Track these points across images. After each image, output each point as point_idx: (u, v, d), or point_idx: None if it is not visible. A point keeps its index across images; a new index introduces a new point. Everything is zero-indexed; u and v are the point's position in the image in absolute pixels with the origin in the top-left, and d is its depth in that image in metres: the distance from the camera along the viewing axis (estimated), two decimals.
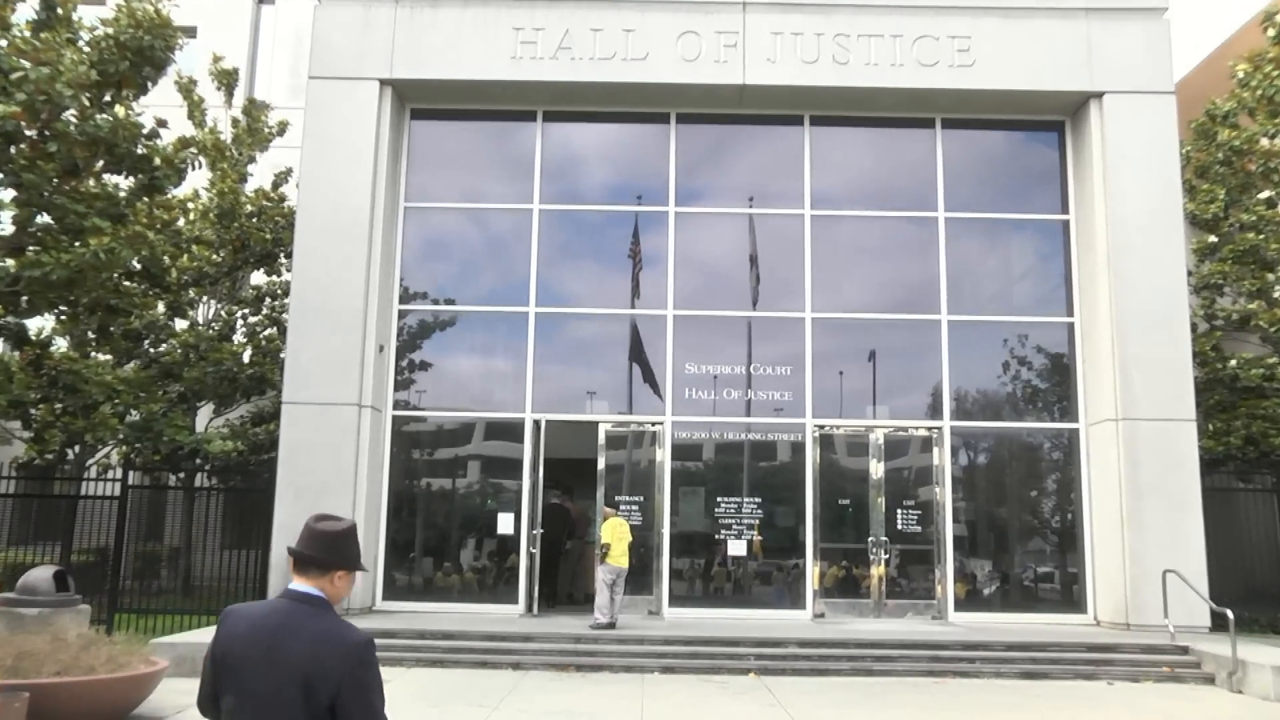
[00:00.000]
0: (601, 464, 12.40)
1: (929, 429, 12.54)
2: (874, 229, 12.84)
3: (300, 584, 2.33)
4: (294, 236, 12.08)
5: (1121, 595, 11.38)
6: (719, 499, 12.32)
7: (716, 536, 12.29)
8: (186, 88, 14.88)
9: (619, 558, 10.93)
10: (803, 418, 12.38)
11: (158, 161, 10.54)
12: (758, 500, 12.33)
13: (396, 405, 12.54)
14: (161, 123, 10.84)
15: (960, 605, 12.11)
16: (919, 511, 12.33)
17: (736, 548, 12.26)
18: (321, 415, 11.54)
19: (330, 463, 11.44)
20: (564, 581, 13.91)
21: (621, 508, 11.92)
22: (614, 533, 10.91)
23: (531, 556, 12.03)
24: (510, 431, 12.38)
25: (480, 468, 12.58)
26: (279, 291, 15.65)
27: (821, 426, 12.46)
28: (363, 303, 11.80)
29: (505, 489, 12.41)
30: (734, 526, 12.29)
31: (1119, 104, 12.12)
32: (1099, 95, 12.23)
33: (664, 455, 12.33)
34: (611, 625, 10.64)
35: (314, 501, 11.16)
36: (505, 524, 12.24)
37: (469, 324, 12.78)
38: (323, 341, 11.65)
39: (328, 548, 2.35)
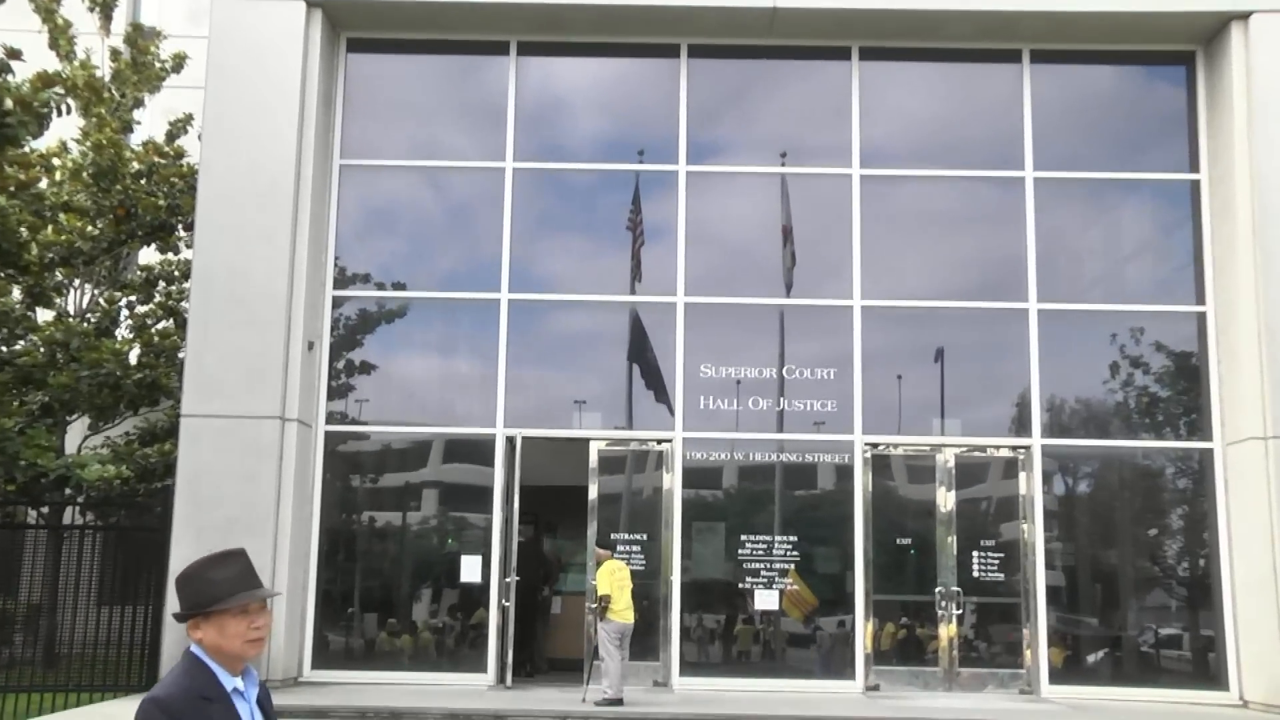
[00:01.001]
0: (593, 493, 12.36)
1: (1014, 449, 12.50)
2: (941, 193, 12.82)
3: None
4: (195, 203, 12.06)
5: (1278, 668, 11.25)
6: (744, 538, 12.25)
7: (740, 586, 12.24)
8: (48, 7, 14.49)
9: (623, 611, 10.85)
10: (851, 434, 12.30)
11: (8, 104, 10.11)
12: (793, 540, 12.26)
13: (330, 419, 12.53)
14: (13, 53, 10.34)
15: (1056, 676, 11.94)
16: (1001, 555, 12.24)
17: (766, 600, 12.18)
18: (232, 432, 11.48)
19: (243, 493, 11.37)
20: (544, 642, 13.85)
21: (619, 549, 11.91)
22: (613, 580, 10.85)
23: (504, 611, 11.90)
24: (477, 452, 12.40)
25: (438, 498, 12.62)
26: (176, 274, 15.58)
27: (875, 445, 12.41)
28: (286, 288, 11.77)
29: (470, 525, 12.42)
30: (762, 573, 12.20)
31: (1271, 26, 11.84)
32: (1243, 15, 11.99)
33: (673, 482, 12.30)
34: (620, 701, 10.57)
35: (222, 542, 10.29)
36: (470, 570, 12.17)
37: (423, 315, 12.81)
38: (234, 338, 11.61)
39: (178, 592, 2.61)
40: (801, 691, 11.73)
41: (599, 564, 11.06)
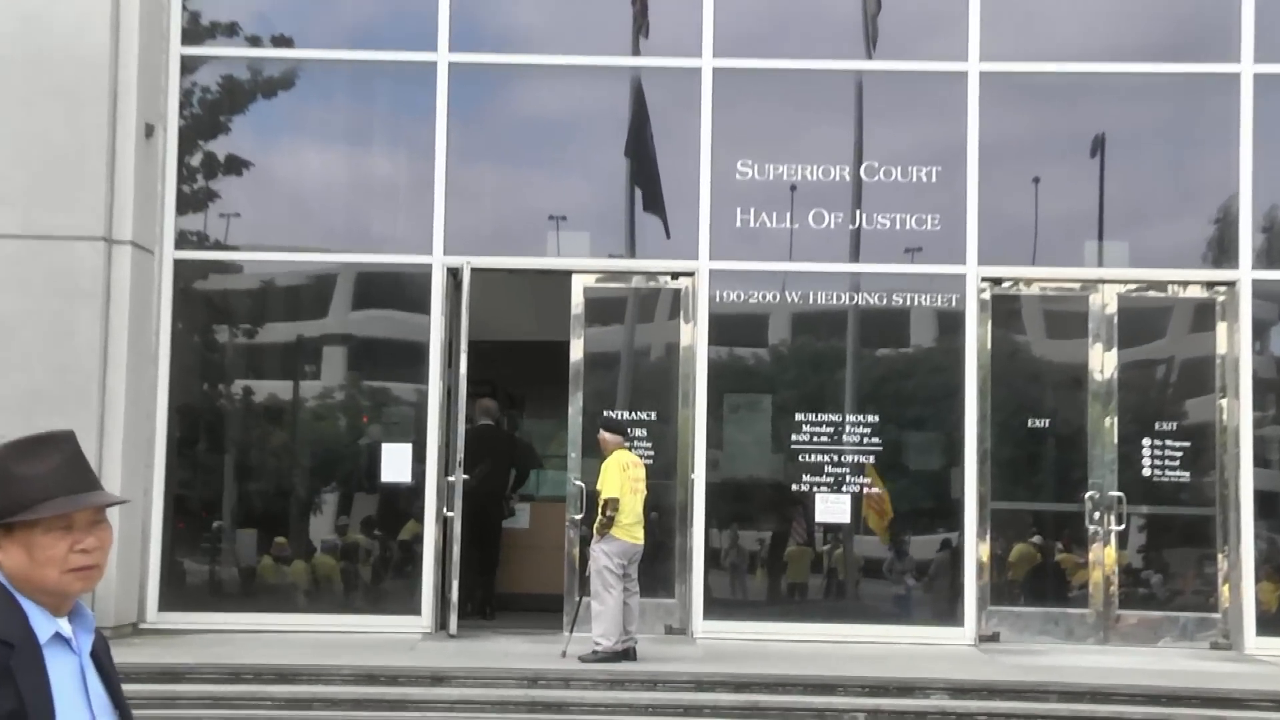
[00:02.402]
0: (578, 352, 12.06)
1: (1210, 287, 12.19)
2: None
3: None
4: None
5: None
6: (799, 419, 11.98)
7: (793, 490, 12.02)
8: None
9: (633, 527, 10.58)
10: (961, 265, 11.93)
11: None
12: (872, 421, 11.99)
13: (183, 242, 12.13)
14: None
15: (1268, 625, 11.61)
16: (1186, 445, 11.94)
17: (831, 510, 11.97)
18: (29, 260, 11.07)
19: (50, 352, 11.04)
20: (504, 572, 13.69)
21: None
22: (624, 480, 10.51)
23: (446, 525, 11.67)
24: (404, 292, 12.34)
25: (347, 360, 12.54)
26: None
27: (997, 282, 12.08)
28: (109, 43, 11.21)
29: (396, 400, 12.39)
30: (827, 470, 11.89)
31: None
32: None
33: (695, 336, 12.01)
34: (628, 654, 10.37)
35: (20, 427, 9.89)
36: (396, 465, 11.96)
37: (322, 86, 12.71)
38: (28, 119, 11.11)
39: None
40: (884, 642, 11.58)
41: (604, 454, 10.82)
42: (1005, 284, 12.19)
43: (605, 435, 10.95)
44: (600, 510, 10.58)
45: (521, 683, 9.93)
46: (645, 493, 10.88)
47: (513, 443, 14.34)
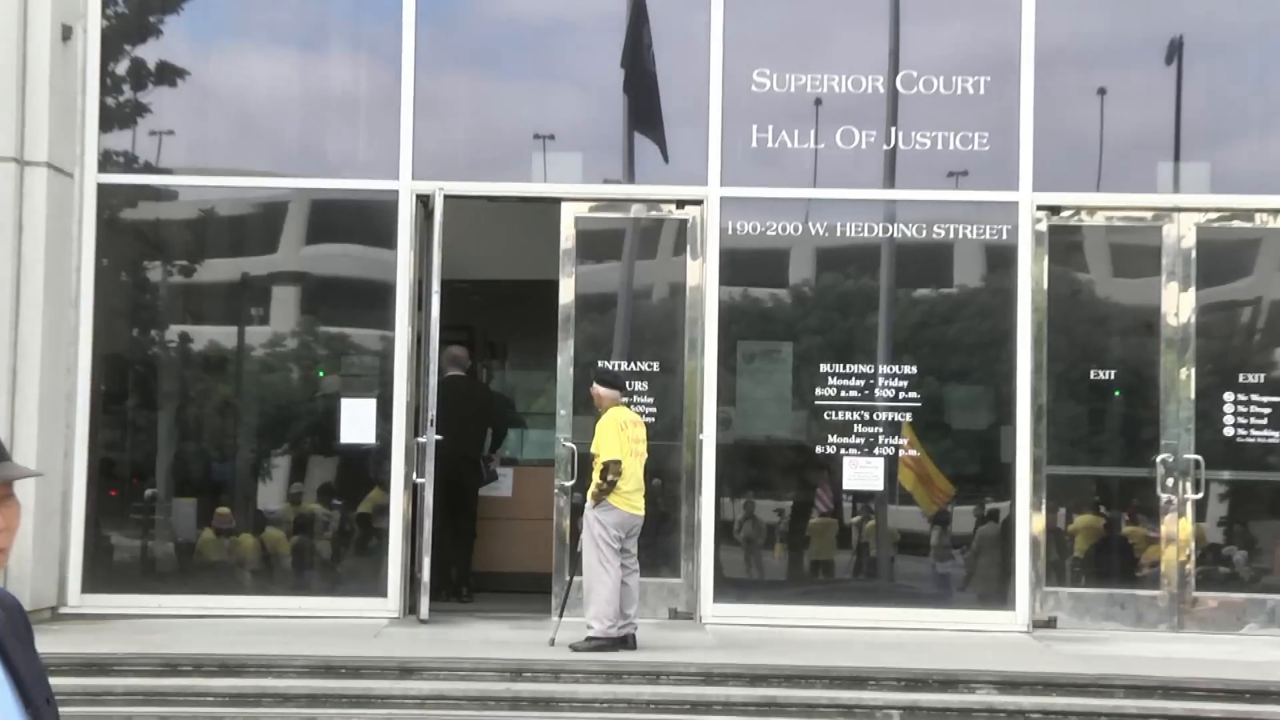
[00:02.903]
0: (568, 293, 11.98)
1: None
2: None
3: None
4: None
5: None
6: (824, 370, 11.95)
7: (817, 453, 12.01)
8: None
9: (633, 495, 10.57)
10: (1013, 191, 11.84)
11: None
12: (909, 373, 11.94)
13: (108, 164, 12.03)
14: None
15: None
16: (1276, 400, 11.88)
17: (862, 475, 11.92)
18: None
19: None
20: (483, 547, 13.57)
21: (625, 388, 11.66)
22: (622, 440, 10.52)
23: (416, 493, 11.58)
24: (366, 222, 12.33)
25: (300, 302, 12.53)
26: None
27: (1055, 211, 11.96)
28: None
29: (356, 348, 12.39)
30: (857, 430, 11.85)
31: None
32: None
33: (704, 274, 11.96)
34: (626, 642, 10.30)
35: None
36: (357, 424, 11.90)
37: None
38: None
39: None
40: (922, 628, 11.55)
41: (599, 412, 10.69)
42: (1065, 213, 12.03)
43: (600, 390, 10.83)
44: (600, 475, 10.43)
45: (503, 675, 9.75)
46: (646, 456, 10.73)
47: (488, 398, 14.30)
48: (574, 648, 10.09)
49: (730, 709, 9.52)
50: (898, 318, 12.25)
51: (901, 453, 11.93)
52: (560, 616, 10.73)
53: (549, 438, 12.84)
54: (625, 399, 11.06)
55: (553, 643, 10.29)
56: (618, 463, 10.39)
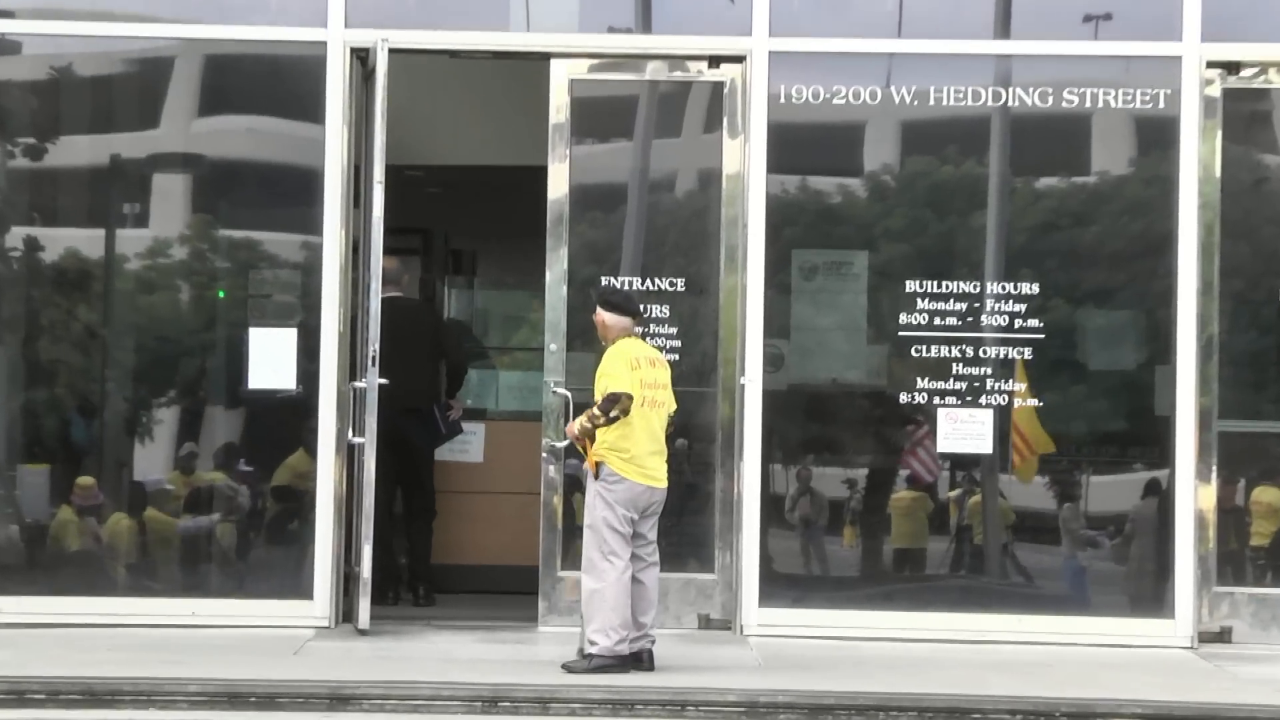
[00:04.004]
0: (561, 184, 11.73)
1: None
2: None
3: None
4: None
5: None
6: (911, 289, 11.71)
7: (901, 401, 11.79)
8: None
9: (647, 460, 10.19)
10: (1174, 40, 11.53)
11: None
12: (1028, 293, 11.65)
13: None
14: None
15: None
16: None
17: (963, 431, 11.67)
18: None
19: None
20: (444, 534, 13.50)
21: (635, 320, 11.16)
22: (629, 379, 10.15)
23: (352, 459, 11.40)
24: (284, 86, 12.16)
25: (192, 195, 12.25)
26: None
27: (1233, 68, 11.61)
28: None
29: (270, 260, 12.22)
30: (957, 370, 11.59)
31: None
32: None
33: (748, 158, 11.65)
34: (639, 660, 10.05)
35: None
36: (272, 363, 11.74)
37: None
38: None
39: None
40: (1046, 643, 11.23)
41: (605, 343, 10.35)
42: (1246, 72, 11.63)
43: (606, 316, 10.34)
44: (601, 412, 9.99)
45: (472, 706, 9.31)
46: (670, 406, 10.27)
47: (437, 325, 14.13)
48: (569, 668, 9.76)
49: None
50: (1013, 218, 11.89)
51: (1018, 402, 11.58)
52: (590, 635, 10.10)
53: (534, 381, 12.72)
54: (639, 328, 10.53)
55: (567, 665, 9.95)
56: (630, 398, 9.94)
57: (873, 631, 11.26)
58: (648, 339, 10.88)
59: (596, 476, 10.04)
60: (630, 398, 10.03)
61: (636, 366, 10.07)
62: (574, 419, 10.59)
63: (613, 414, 9.93)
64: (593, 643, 9.78)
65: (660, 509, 10.19)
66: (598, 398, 10.21)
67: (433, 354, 13.64)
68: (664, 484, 10.16)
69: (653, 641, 10.00)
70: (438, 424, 13.36)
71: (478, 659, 10.45)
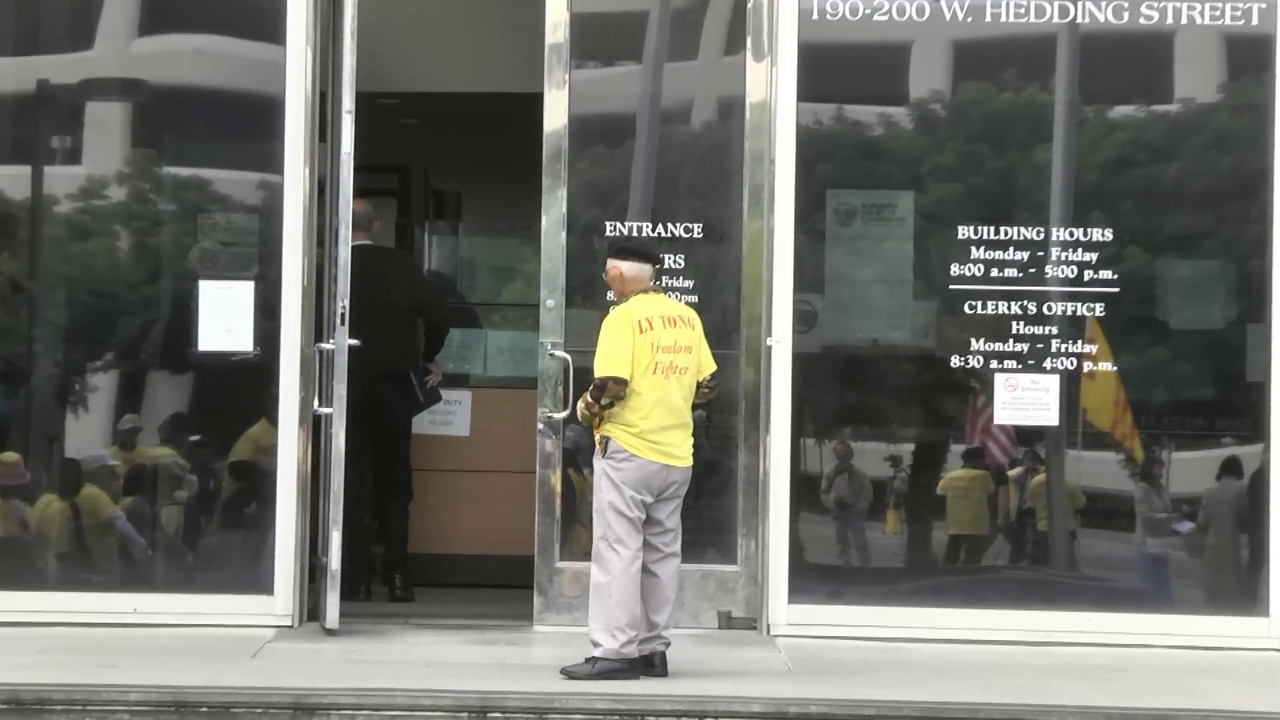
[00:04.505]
0: (559, 115, 11.65)
1: None
2: None
3: None
4: None
5: None
6: (964, 235, 11.58)
7: (955, 365, 11.67)
8: None
9: (659, 436, 9.97)
10: None
11: None
12: (1101, 240, 11.49)
13: None
14: None
15: None
16: None
17: (1025, 400, 11.55)
18: None
19: None
20: (423, 519, 13.53)
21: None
22: (635, 346, 9.96)
23: (318, 432, 11.38)
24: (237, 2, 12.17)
25: (132, 127, 12.15)
26: None
27: None
28: None
29: (223, 203, 12.10)
30: (1018, 329, 11.49)
31: None
32: None
33: (775, 83, 11.53)
34: (651, 664, 9.90)
35: None
36: (224, 323, 11.61)
37: None
38: None
39: None
40: (1120, 644, 11.06)
41: (617, 298, 10.33)
42: None
43: (621, 266, 10.09)
44: (593, 399, 9.85)
45: (457, 716, 9.08)
46: (700, 370, 10.04)
47: (415, 278, 14.04)
48: (569, 673, 9.52)
49: None
50: (1082, 152, 11.69)
51: (1089, 366, 11.34)
52: (594, 636, 9.97)
53: (529, 343, 12.69)
54: (655, 281, 10.21)
55: (566, 671, 9.72)
56: (620, 382, 9.73)
57: (920, 631, 11.08)
58: (664, 291, 10.64)
59: (604, 454, 9.84)
60: (621, 382, 9.81)
61: (645, 329, 9.81)
62: (574, 396, 10.57)
63: (603, 402, 9.89)
64: (596, 644, 9.58)
65: (682, 491, 10.00)
66: (601, 367, 10.07)
67: (410, 311, 13.41)
68: (686, 462, 9.97)
69: (667, 644, 9.78)
70: (415, 391, 13.20)
71: (463, 662, 10.31)
